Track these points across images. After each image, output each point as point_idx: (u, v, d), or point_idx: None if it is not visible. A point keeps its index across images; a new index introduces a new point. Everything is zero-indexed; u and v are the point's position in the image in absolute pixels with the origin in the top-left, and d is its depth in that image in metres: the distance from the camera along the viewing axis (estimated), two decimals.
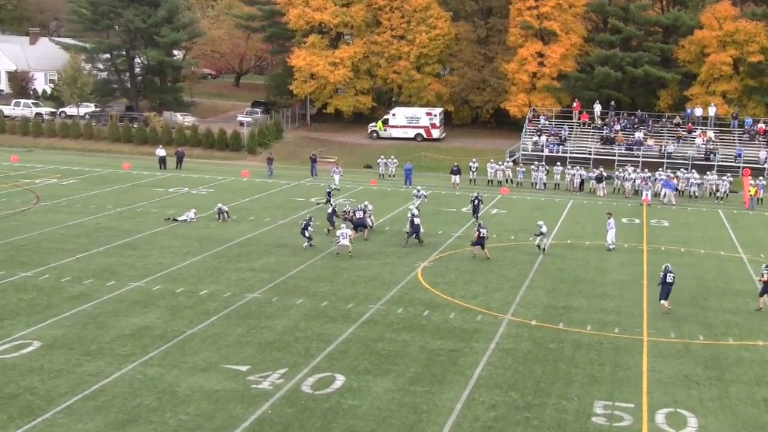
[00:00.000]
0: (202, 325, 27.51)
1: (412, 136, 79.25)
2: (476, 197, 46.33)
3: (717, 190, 57.68)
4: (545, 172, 60.80)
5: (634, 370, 24.63)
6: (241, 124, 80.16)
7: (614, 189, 59.07)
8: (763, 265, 31.85)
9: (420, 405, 21.63)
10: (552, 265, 36.48)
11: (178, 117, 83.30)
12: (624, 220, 48.54)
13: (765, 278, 30.54)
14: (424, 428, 20.27)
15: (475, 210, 45.71)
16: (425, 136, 79.16)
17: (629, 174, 58.45)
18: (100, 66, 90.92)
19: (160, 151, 66.13)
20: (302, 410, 21.08)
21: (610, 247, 39.67)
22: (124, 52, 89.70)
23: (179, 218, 44.31)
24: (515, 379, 23.68)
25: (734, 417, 21.57)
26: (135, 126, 79.00)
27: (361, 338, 26.66)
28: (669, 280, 30.22)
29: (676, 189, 57.48)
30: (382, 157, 65.20)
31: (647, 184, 56.35)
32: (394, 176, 63.11)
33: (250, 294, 31.27)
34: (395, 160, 64.27)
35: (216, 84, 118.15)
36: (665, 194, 55.68)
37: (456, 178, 59.52)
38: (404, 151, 72.30)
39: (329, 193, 49.05)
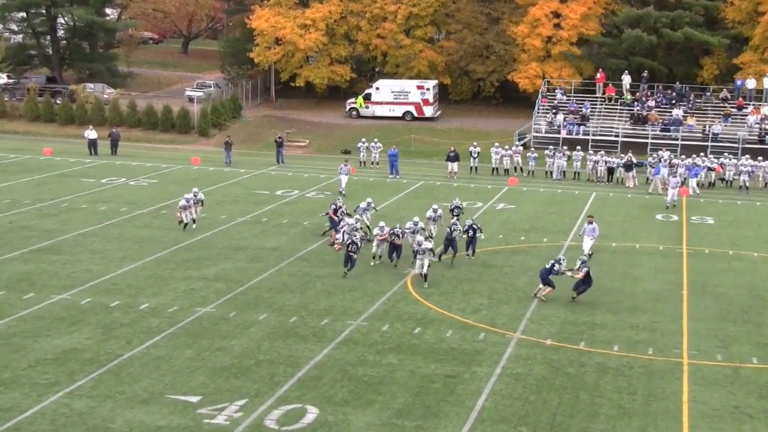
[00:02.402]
0: (143, 347, 27.40)
1: (399, 114, 79.26)
2: (471, 226, 38.70)
3: None
4: (565, 159, 60.90)
5: (672, 400, 24.69)
6: (191, 100, 79.95)
7: (647, 179, 59.26)
8: None
9: None
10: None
11: (110, 91, 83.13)
12: (659, 216, 48.73)
13: None
14: None
15: (471, 242, 38.54)
16: (416, 114, 79.20)
17: (664, 160, 58.65)
18: (14, 27, 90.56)
19: (90, 133, 65.78)
20: None
21: (583, 257, 36.50)
22: (43, 11, 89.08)
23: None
24: (526, 411, 23.69)
25: None
26: (58, 102, 78.60)
27: (338, 362, 26.62)
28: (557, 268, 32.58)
29: (721, 178, 57.81)
30: (364, 140, 65.22)
31: (687, 171, 56.72)
32: (378, 163, 63.13)
33: (202, 308, 31.19)
34: (379, 144, 64.27)
35: (159, 51, 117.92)
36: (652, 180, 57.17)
37: (453, 166, 59.56)
38: (390, 132, 72.35)
39: (336, 210, 41.35)
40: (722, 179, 59.01)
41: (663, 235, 44.52)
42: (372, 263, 36.52)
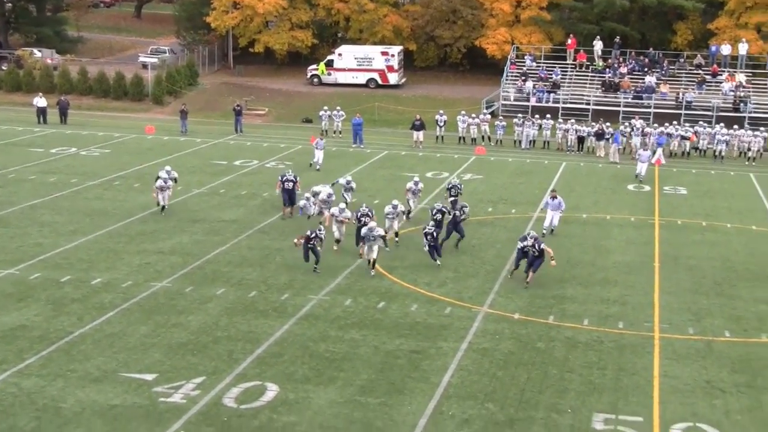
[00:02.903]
0: (95, 324, 27.31)
1: (363, 81, 79.22)
2: (440, 210, 36.39)
3: (748, 149, 58.44)
4: (534, 127, 61.06)
5: (643, 375, 24.93)
6: (145, 66, 79.52)
7: (620, 148, 59.53)
8: None
9: (374, 421, 21.71)
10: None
11: (59, 56, 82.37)
12: (631, 187, 49.05)
13: None
14: None
15: (439, 224, 35.86)
16: (380, 81, 79.16)
17: (637, 129, 58.95)
18: None
19: (39, 101, 65.32)
20: (224, 429, 21.04)
21: (543, 231, 38.05)
22: None
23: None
24: (494, 387, 23.84)
25: None
26: (4, 68, 78.06)
27: (299, 337, 26.67)
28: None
29: (695, 147, 58.25)
30: (326, 108, 65.02)
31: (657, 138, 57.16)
32: (341, 133, 63.03)
33: (158, 283, 31.12)
34: (342, 113, 64.14)
35: (111, 15, 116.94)
36: (614, 149, 57.32)
37: (419, 135, 59.61)
38: (353, 100, 72.24)
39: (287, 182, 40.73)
40: (696, 148, 59.42)
41: (635, 206, 44.83)
42: (334, 248, 34.95)
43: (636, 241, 38.30)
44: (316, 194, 39.95)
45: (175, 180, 42.17)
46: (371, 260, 32.42)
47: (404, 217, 36.49)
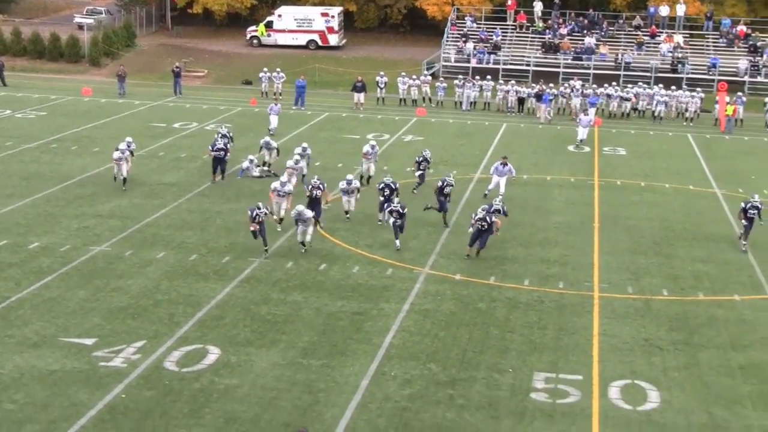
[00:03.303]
0: (33, 288, 27.07)
1: (303, 43, 78.74)
2: (388, 185, 34.40)
3: (686, 110, 58.99)
4: (475, 89, 61.13)
5: (583, 334, 25.22)
6: (80, 27, 78.36)
7: (559, 109, 59.84)
8: None
9: (316, 382, 21.77)
10: (481, 204, 36.79)
11: None
12: (571, 147, 49.34)
13: None
14: (321, 411, 20.42)
15: (388, 200, 33.59)
16: (320, 43, 78.73)
17: (577, 90, 59.26)
18: None
19: None
20: (165, 393, 20.99)
21: (486, 192, 37.95)
22: None
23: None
24: (435, 347, 23.99)
25: (705, 389, 22.31)
26: None
27: (241, 300, 26.63)
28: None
29: (634, 108, 58.71)
30: (266, 70, 64.55)
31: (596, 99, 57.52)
32: (281, 95, 62.62)
33: (96, 247, 30.86)
34: (282, 74, 63.74)
35: None
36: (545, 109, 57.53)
37: (360, 97, 59.44)
38: (294, 62, 71.82)
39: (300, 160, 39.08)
40: (635, 109, 59.87)
41: (575, 166, 45.13)
42: (277, 228, 32.89)
43: (576, 202, 38.60)
44: (269, 146, 40.63)
45: (132, 153, 39.50)
46: (304, 242, 31.09)
47: (358, 193, 34.72)
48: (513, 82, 61.69)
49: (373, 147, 39.64)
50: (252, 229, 29.96)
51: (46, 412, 20.01)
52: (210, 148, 39.81)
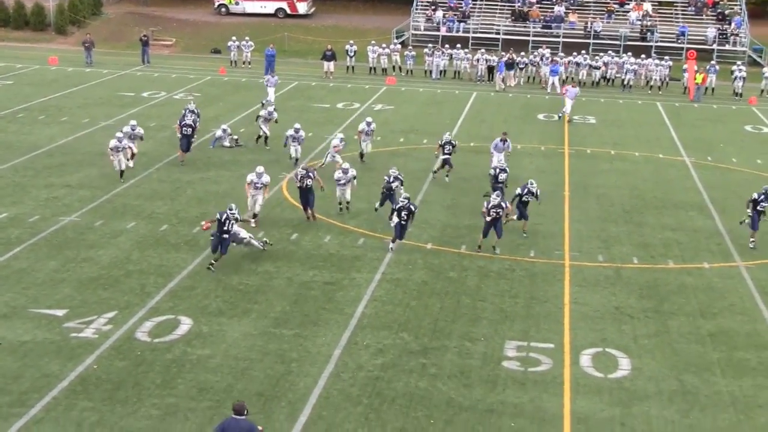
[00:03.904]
0: (2, 259, 26.91)
1: (271, 11, 78.27)
2: (395, 177, 31.89)
3: (654, 79, 59.14)
4: (445, 57, 61.07)
5: (554, 302, 25.35)
6: None
7: (528, 78, 59.92)
8: None
9: (288, 352, 21.79)
10: (452, 174, 36.90)
11: None
12: (541, 116, 49.43)
13: None
14: (294, 381, 20.46)
15: (390, 197, 31.40)
16: (288, 11, 78.28)
17: (546, 58, 59.31)
18: None
19: None
20: (138, 363, 20.94)
21: (490, 173, 35.32)
22: None
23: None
24: (407, 317, 24.05)
25: (675, 356, 22.49)
26: None
27: (212, 270, 26.57)
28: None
29: (603, 76, 58.82)
30: (234, 38, 64.20)
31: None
32: (250, 63, 62.38)
33: (66, 217, 30.69)
34: (251, 43, 63.45)
35: None
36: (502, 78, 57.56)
37: (329, 65, 59.28)
38: (262, 30, 71.40)
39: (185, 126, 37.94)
40: (605, 77, 60.02)
41: (545, 135, 45.23)
42: (251, 224, 29.73)
43: (546, 170, 38.69)
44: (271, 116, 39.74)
45: (140, 138, 37.03)
46: (255, 213, 30.39)
47: (355, 182, 32.11)
48: (482, 50, 61.71)
49: (369, 124, 38.35)
50: (205, 227, 27.10)
51: (17, 384, 19.93)
52: (178, 122, 38.89)
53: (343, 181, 31.76)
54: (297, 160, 36.89)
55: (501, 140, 37.16)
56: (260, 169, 30.62)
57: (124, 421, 18.37)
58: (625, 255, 29.16)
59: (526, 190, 30.43)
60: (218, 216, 26.51)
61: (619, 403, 20.13)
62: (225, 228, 26.33)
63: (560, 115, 49.23)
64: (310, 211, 31.04)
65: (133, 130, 36.43)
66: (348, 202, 32.30)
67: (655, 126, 48.42)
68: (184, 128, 37.57)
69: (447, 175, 36.44)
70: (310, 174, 30.95)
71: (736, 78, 57.61)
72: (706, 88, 57.01)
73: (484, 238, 28.96)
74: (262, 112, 40.52)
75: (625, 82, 58.67)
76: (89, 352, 21.43)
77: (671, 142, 44.83)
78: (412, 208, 28.70)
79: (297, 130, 37.34)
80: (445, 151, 36.10)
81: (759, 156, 42.65)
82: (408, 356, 21.85)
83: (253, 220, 30.12)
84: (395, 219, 28.37)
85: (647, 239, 30.80)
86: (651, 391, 20.65)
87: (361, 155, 38.61)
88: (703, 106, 54.60)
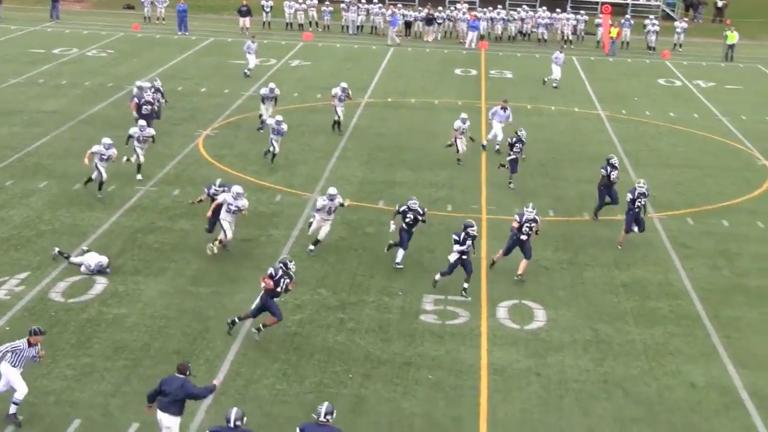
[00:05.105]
0: None
1: None
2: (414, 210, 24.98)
3: (572, 32, 59.53)
4: (362, 12, 60.81)
5: (472, 256, 25.46)
6: None
7: (446, 32, 59.99)
8: None
9: (205, 310, 21.71)
10: (370, 130, 36.90)
11: None
12: (458, 71, 49.53)
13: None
14: (211, 339, 20.39)
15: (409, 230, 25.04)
16: None
17: (463, 13, 59.37)
18: None
19: None
20: (52, 324, 20.67)
21: (483, 144, 35.11)
22: None
23: None
24: (325, 272, 24.08)
25: (590, 307, 22.84)
26: None
27: (127, 229, 26.31)
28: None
29: (519, 31, 59.08)
30: None
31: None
32: (164, 19, 61.52)
33: None
34: None
35: None
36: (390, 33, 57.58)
37: (245, 21, 58.74)
38: None
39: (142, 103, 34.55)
40: (520, 32, 60.32)
41: (462, 90, 45.37)
42: (215, 250, 24.82)
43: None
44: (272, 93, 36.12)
45: (153, 138, 30.97)
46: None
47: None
48: (400, 5, 61.56)
49: (344, 90, 36.47)
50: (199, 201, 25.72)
51: None
52: (136, 101, 34.67)
53: (323, 211, 25.31)
54: (274, 156, 32.49)
55: (501, 108, 35.24)
56: (237, 189, 24.95)
57: (38, 381, 18.13)
58: (542, 208, 29.22)
59: (637, 193, 26.36)
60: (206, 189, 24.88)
61: (534, 353, 20.41)
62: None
63: (549, 78, 47.50)
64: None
65: (142, 130, 30.18)
66: (275, 154, 32.16)
67: (571, 80, 48.78)
68: (143, 106, 34.24)
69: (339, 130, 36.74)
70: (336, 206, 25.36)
71: (649, 32, 58.36)
72: (621, 43, 57.66)
73: (504, 256, 24.61)
74: (264, 91, 36.51)
75: (540, 37, 59.01)
76: (1, 314, 21.11)
77: (586, 96, 45.29)
78: (420, 211, 24.69)
79: (272, 89, 35.79)
80: (514, 151, 31.28)
81: (671, 109, 43.34)
82: (326, 312, 21.89)
83: (216, 247, 24.78)
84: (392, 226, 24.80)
85: (563, 192, 31.15)
86: (566, 341, 20.96)
87: (336, 123, 36.99)
88: (617, 60, 55.21)
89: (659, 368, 20.07)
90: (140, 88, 35.73)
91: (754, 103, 45.37)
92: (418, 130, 37.70)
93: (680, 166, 34.86)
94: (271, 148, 32.07)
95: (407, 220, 24.68)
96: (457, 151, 33.66)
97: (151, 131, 30.73)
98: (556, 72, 47.27)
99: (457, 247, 22.94)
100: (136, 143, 30.13)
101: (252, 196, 29.14)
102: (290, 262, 20.42)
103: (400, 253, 24.61)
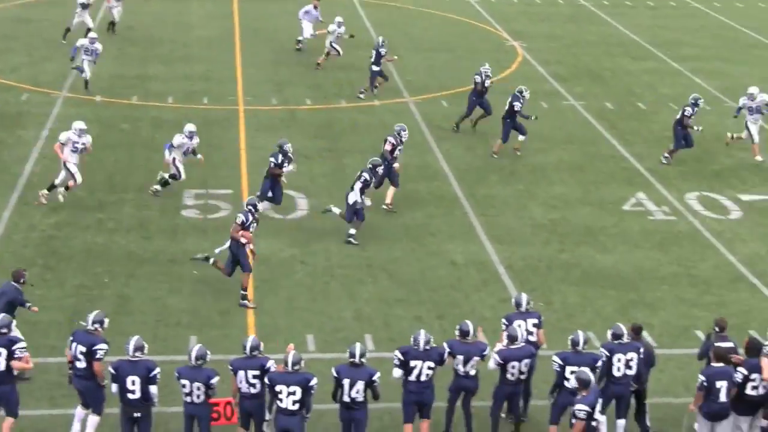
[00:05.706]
0: None
1: None
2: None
3: None
4: None
5: (230, 148, 25.35)
6: None
7: None
8: None
9: None
10: (119, 23, 35.68)
11: None
12: None
13: None
14: None
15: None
16: None
17: None
18: None
19: None
20: None
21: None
22: None
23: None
24: (81, 172, 23.35)
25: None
26: None
27: None
28: None
29: None
30: None
31: None
32: None
33: None
34: None
35: None
36: None
37: None
38: None
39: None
40: None
41: None
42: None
43: (216, 15, 38.22)
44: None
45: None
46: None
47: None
48: None
49: (340, 24, 32.30)
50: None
51: None
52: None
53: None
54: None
55: (314, 7, 33.60)
56: (80, 125, 21.71)
57: None
58: (299, 97, 29.44)
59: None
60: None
61: (298, 242, 20.53)
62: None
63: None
64: None
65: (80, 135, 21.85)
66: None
67: None
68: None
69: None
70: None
71: None
72: None
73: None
74: (331, 27, 32.34)
75: None
76: None
77: None
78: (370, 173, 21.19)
79: (92, 41, 28.36)
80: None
81: None
82: (83, 212, 21.33)
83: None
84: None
85: (319, 80, 31.20)
86: (329, 228, 21.11)
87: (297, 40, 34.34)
88: None
89: (421, 249, 20.59)
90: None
91: None
92: (169, 21, 36.90)
93: (433, 49, 35.41)
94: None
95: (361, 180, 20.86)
96: (299, 40, 33.69)
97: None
98: None
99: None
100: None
101: None
102: (258, 203, 19.21)
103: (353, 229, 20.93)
